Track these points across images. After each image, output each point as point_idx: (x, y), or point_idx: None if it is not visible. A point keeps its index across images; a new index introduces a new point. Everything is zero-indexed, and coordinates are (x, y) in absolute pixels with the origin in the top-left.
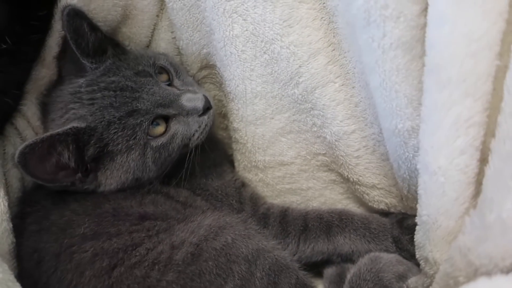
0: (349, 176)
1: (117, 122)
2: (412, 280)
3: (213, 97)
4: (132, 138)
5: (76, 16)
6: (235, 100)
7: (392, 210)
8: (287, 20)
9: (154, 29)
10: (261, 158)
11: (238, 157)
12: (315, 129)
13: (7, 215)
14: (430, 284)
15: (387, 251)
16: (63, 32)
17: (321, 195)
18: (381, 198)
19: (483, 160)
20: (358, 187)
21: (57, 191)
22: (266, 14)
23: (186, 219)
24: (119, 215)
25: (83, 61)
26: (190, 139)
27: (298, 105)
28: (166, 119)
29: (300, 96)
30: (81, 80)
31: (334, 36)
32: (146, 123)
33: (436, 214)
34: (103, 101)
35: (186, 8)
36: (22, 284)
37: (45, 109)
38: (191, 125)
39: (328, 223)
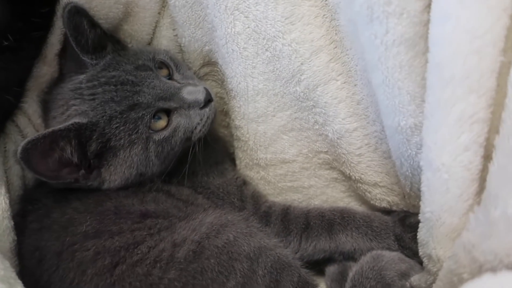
0: (351, 174)
1: (119, 116)
2: (415, 278)
3: (215, 95)
4: (134, 132)
5: (77, 13)
6: (236, 97)
7: (394, 208)
8: (289, 18)
9: (155, 26)
10: (263, 156)
11: (239, 155)
12: (317, 127)
13: (8, 213)
14: (433, 282)
15: (389, 249)
16: (64, 29)
17: (323, 193)
18: (383, 196)
19: (487, 157)
20: (360, 185)
21: (58, 189)
22: (268, 11)
23: (187, 217)
24: (120, 213)
25: (83, 57)
26: (192, 132)
27: (300, 102)
28: (168, 112)
29: (302, 93)
30: (82, 77)
31: (336, 33)
32: (148, 116)
33: (440, 211)
34: (104, 96)
35: (189, 5)
36: (23, 282)
37: (46, 106)
38: (192, 118)
39: (330, 221)
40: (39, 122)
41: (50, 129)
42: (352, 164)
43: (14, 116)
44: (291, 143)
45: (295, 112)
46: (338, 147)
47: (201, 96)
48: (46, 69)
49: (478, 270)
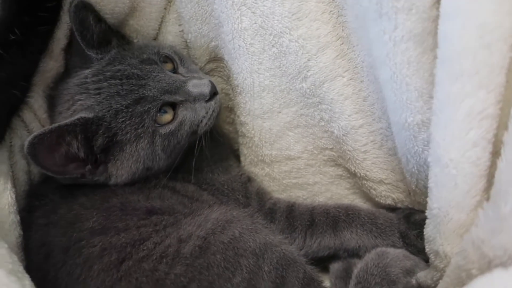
0: (356, 171)
1: (125, 110)
2: (421, 274)
3: (220, 91)
4: (141, 126)
5: (83, 8)
6: (242, 93)
7: (399, 205)
8: (296, 13)
9: (161, 22)
10: (268, 152)
11: (244, 151)
12: (323, 123)
13: (14, 208)
14: (440, 278)
15: (394, 246)
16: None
17: (328, 190)
18: (388, 193)
19: (495, 153)
20: (365, 182)
21: (65, 185)
22: (275, 7)
23: (193, 213)
24: (126, 210)
25: (88, 52)
26: (198, 126)
27: (306, 99)
28: (173, 106)
29: (308, 90)
30: (87, 71)
31: (343, 30)
32: (154, 110)
33: (448, 207)
34: (109, 90)
35: (195, 0)
36: (30, 277)
37: (51, 102)
38: (198, 111)
39: (334, 218)
40: (45, 117)
41: (56, 124)
42: (357, 161)
43: (20, 111)
44: (297, 139)
45: (301, 109)
46: (343, 144)
47: (206, 89)
48: (52, 64)
49: (487, 265)
